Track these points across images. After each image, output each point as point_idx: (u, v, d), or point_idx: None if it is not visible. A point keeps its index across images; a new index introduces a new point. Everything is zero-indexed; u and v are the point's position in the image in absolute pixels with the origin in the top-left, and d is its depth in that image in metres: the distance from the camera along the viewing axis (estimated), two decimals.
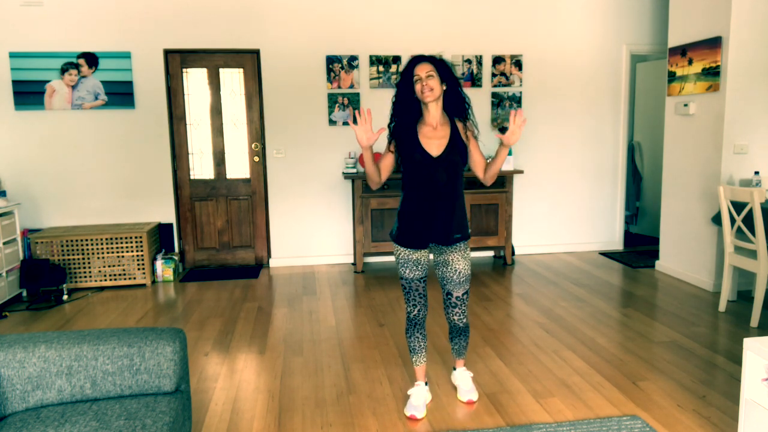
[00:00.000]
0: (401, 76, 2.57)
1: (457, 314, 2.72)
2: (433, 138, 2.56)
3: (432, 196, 2.55)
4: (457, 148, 2.56)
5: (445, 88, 2.55)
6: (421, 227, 2.58)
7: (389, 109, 2.65)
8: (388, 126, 2.64)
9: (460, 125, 2.61)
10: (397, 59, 5.64)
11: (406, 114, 2.57)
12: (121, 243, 5.03)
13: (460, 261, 2.63)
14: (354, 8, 5.55)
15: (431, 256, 2.73)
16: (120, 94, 5.33)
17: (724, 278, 4.13)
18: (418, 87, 2.51)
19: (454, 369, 2.95)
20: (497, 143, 5.87)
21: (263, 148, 5.65)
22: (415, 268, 2.65)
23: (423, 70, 2.49)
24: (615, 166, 6.14)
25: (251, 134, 5.65)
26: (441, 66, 2.53)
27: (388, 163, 2.63)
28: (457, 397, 2.87)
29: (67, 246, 4.95)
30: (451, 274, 2.63)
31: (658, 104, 6.25)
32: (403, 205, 2.63)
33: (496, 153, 2.56)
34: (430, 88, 2.49)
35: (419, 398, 2.75)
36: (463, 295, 2.68)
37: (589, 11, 5.87)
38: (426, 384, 2.85)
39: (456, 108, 2.59)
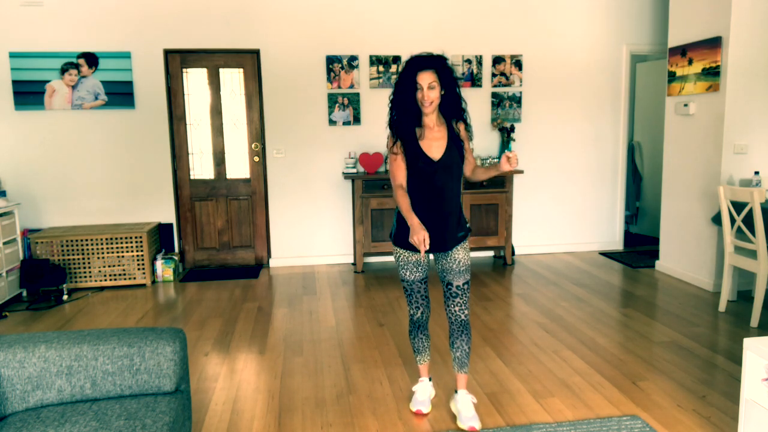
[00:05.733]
0: (400, 78, 2.49)
1: (458, 305, 2.62)
2: (433, 140, 2.54)
3: (434, 198, 2.52)
4: (456, 148, 2.56)
5: (443, 92, 2.50)
6: (428, 232, 2.52)
7: (387, 109, 2.63)
8: (389, 125, 2.62)
9: (455, 124, 2.59)
10: (397, 59, 5.64)
11: (405, 115, 2.53)
12: (121, 243, 5.03)
13: (460, 251, 2.60)
14: (354, 8, 5.55)
15: (431, 255, 2.71)
16: (120, 94, 5.33)
17: (724, 278, 4.13)
18: (419, 95, 2.47)
19: (456, 392, 2.74)
20: (498, 143, 5.87)
21: (263, 148, 5.65)
22: (415, 270, 2.64)
23: (425, 81, 2.43)
24: (615, 166, 6.14)
25: (251, 134, 5.65)
26: (443, 71, 2.47)
27: (402, 165, 2.55)
28: (457, 423, 2.64)
29: (67, 246, 4.95)
30: (451, 264, 2.60)
31: (658, 104, 6.25)
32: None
33: (492, 165, 2.60)
34: (430, 101, 2.45)
35: (424, 393, 2.76)
36: (463, 284, 2.61)
37: (589, 11, 5.87)
38: (430, 380, 2.84)
39: (453, 111, 2.56)
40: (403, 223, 2.58)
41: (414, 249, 2.59)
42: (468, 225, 2.68)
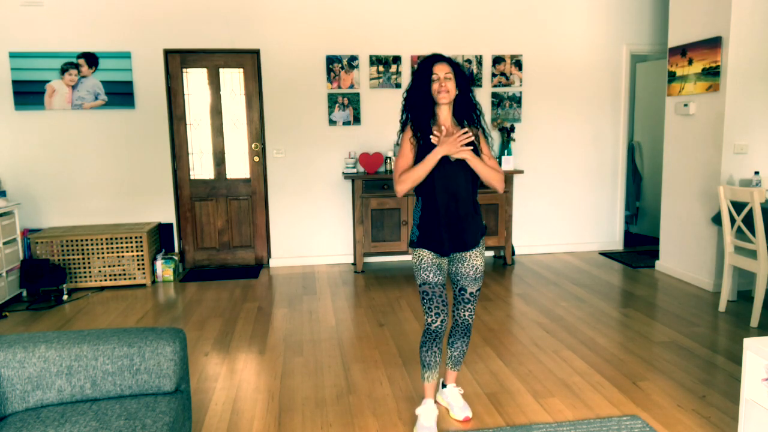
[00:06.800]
0: (417, 72, 2.50)
1: (469, 310, 2.63)
2: None
3: (453, 200, 2.47)
4: (472, 150, 2.51)
5: (457, 92, 2.50)
6: (448, 234, 2.49)
7: (399, 108, 2.62)
8: (401, 122, 2.59)
9: (471, 129, 2.56)
10: (397, 59, 5.64)
11: (420, 110, 2.51)
12: (121, 243, 5.03)
13: (478, 257, 2.56)
14: (354, 8, 5.55)
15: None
16: (120, 94, 5.33)
17: (724, 278, 4.13)
18: (435, 86, 2.46)
19: (444, 386, 2.82)
20: (498, 143, 5.87)
21: (263, 148, 5.65)
22: (438, 271, 2.53)
23: (442, 71, 2.45)
24: (615, 166, 6.14)
25: (251, 134, 5.65)
26: (457, 70, 2.49)
27: (410, 156, 2.52)
28: (450, 415, 2.71)
29: (67, 246, 4.94)
30: (468, 270, 2.56)
31: (658, 104, 6.25)
32: (424, 212, 2.53)
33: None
34: (446, 90, 2.45)
35: (430, 418, 2.57)
36: (476, 291, 2.61)
37: (589, 11, 5.87)
38: (435, 402, 2.76)
39: (466, 113, 2.55)
40: (425, 226, 2.52)
41: (436, 251, 2.52)
42: (484, 224, 2.64)
